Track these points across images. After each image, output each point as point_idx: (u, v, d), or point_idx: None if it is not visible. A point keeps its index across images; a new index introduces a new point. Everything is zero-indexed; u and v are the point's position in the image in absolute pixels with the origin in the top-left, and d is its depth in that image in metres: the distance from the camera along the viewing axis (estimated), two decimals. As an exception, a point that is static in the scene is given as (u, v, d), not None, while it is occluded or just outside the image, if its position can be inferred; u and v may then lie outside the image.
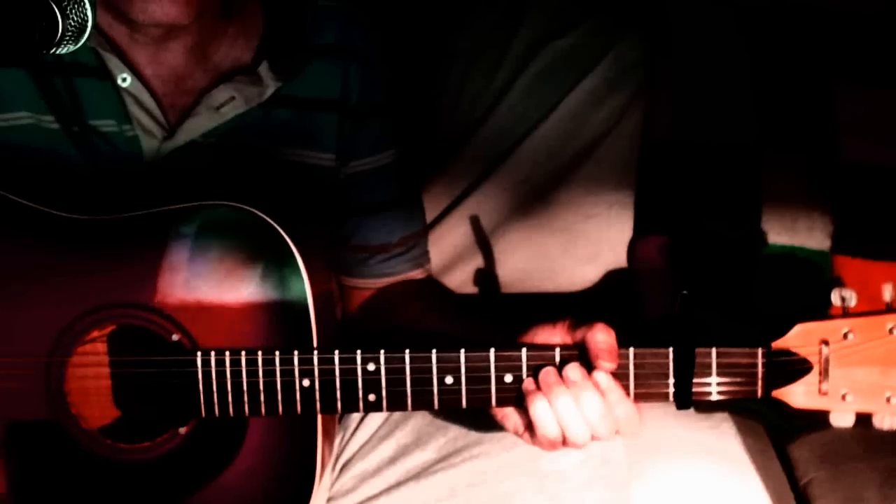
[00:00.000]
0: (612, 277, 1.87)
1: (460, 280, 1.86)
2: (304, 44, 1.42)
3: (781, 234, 1.77)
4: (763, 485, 1.63)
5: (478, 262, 1.88)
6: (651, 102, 1.87)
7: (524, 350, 1.19)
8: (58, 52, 1.16)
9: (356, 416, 1.47)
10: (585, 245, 1.86)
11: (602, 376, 1.17)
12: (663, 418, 1.75)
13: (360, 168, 1.49)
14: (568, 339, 1.21)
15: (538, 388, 1.18)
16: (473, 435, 1.36)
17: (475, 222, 1.87)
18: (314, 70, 1.42)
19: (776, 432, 1.76)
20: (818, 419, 1.72)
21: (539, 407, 1.17)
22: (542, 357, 1.20)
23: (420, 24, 1.89)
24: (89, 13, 1.16)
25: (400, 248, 1.54)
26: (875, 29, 1.79)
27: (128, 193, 1.34)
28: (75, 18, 1.14)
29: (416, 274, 1.57)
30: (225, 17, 1.38)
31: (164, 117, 1.36)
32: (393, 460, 1.40)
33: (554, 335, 1.22)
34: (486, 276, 1.87)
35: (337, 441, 1.46)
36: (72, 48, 1.17)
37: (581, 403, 1.16)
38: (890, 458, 1.64)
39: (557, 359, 1.20)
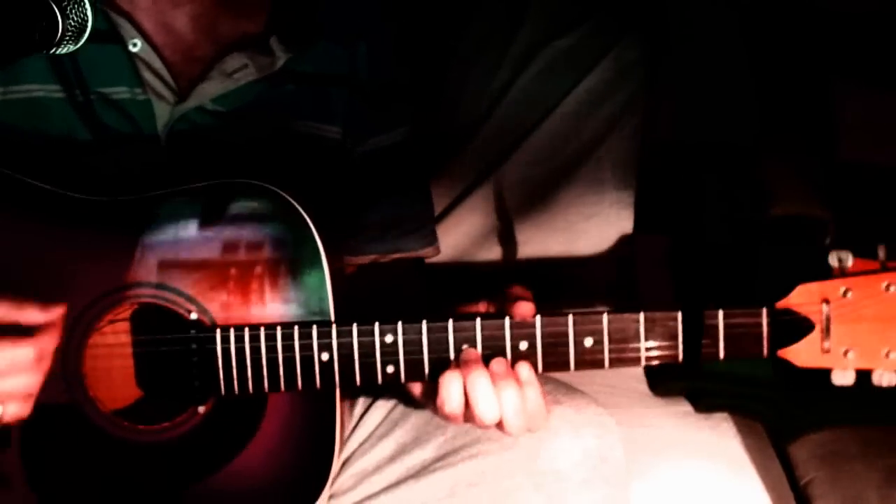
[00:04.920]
0: (612, 277, 1.88)
1: (460, 280, 1.86)
2: (313, 19, 1.43)
3: (781, 234, 1.77)
4: (763, 485, 1.63)
5: (478, 261, 1.88)
6: (651, 102, 1.87)
7: (538, 317, 1.20)
8: (58, 51, 1.16)
9: (356, 413, 1.47)
10: (586, 245, 1.87)
11: (524, 370, 1.20)
12: (663, 418, 1.75)
13: (377, 145, 1.50)
14: (491, 309, 1.23)
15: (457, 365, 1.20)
16: (473, 434, 1.36)
17: (476, 222, 1.88)
18: (323, 46, 1.43)
19: (776, 432, 1.76)
20: (817, 419, 1.73)
21: (449, 380, 1.19)
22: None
23: (422, 25, 1.89)
24: (89, 13, 1.16)
25: (414, 222, 1.54)
26: (875, 29, 1.79)
27: (141, 170, 1.35)
28: (75, 18, 1.14)
29: (428, 252, 1.58)
30: None
31: (174, 82, 1.37)
32: (392, 459, 1.40)
33: (477, 308, 1.24)
34: (487, 276, 1.87)
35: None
36: (72, 48, 1.17)
37: (500, 395, 1.18)
38: (890, 458, 1.64)
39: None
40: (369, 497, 1.40)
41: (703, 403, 1.76)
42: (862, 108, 1.78)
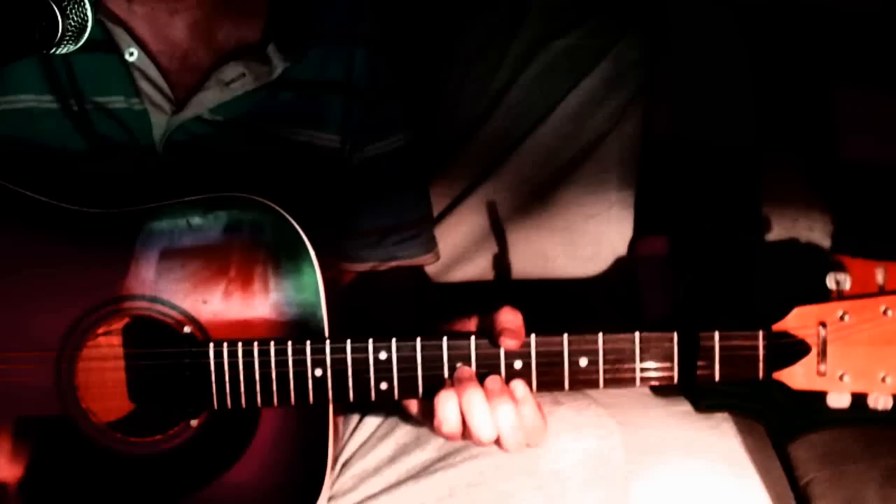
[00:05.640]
0: (612, 277, 1.88)
1: (461, 280, 1.86)
2: (309, 26, 1.43)
3: (781, 234, 1.77)
4: (763, 485, 1.63)
5: (478, 262, 1.88)
6: (651, 102, 1.87)
7: (533, 336, 1.20)
8: (58, 52, 1.16)
9: (356, 416, 1.47)
10: (586, 245, 1.87)
11: (519, 387, 1.20)
12: (663, 418, 1.75)
13: (375, 152, 1.50)
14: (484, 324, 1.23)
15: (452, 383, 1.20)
16: (473, 435, 1.37)
17: (475, 223, 1.87)
18: (320, 53, 1.44)
19: (776, 432, 1.76)
20: (817, 419, 1.73)
21: (444, 400, 1.19)
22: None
23: (421, 25, 1.89)
24: (89, 13, 1.16)
25: (412, 229, 1.54)
26: (875, 29, 1.79)
27: (135, 181, 1.35)
28: (75, 18, 1.14)
29: (427, 259, 1.58)
30: None
31: (171, 92, 1.37)
32: (392, 460, 1.40)
33: (469, 324, 1.24)
34: (482, 287, 1.87)
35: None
36: (72, 48, 1.17)
37: (496, 413, 1.18)
38: (890, 458, 1.64)
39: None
40: (369, 498, 1.40)
41: (703, 403, 1.76)
42: (862, 108, 1.78)
